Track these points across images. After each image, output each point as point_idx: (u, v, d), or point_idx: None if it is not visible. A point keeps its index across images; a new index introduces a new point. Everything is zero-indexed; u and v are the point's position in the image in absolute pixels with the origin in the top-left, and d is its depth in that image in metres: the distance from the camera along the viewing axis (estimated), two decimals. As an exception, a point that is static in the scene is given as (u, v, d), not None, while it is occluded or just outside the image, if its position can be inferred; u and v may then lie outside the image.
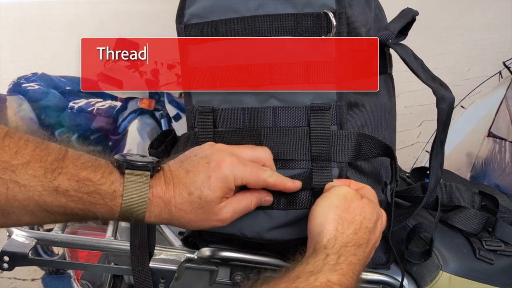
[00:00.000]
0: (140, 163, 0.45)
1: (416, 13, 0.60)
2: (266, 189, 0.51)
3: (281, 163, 0.53)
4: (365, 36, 0.54)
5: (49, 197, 0.41)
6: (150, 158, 0.47)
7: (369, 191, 0.51)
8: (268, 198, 0.52)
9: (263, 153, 0.51)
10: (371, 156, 0.54)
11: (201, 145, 0.50)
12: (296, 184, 0.52)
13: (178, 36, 0.57)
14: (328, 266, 0.42)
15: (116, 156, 0.45)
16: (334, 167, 0.53)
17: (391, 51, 0.59)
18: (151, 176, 0.45)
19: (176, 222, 0.46)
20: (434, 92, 0.54)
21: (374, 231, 0.48)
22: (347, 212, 0.47)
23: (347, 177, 0.54)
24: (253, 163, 0.49)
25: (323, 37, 0.51)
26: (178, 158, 0.49)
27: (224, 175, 0.46)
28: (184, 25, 0.56)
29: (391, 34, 0.55)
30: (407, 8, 0.61)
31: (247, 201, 0.50)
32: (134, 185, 0.44)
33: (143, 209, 0.44)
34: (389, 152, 0.53)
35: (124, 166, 0.44)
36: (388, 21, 0.59)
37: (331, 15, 0.50)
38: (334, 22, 0.50)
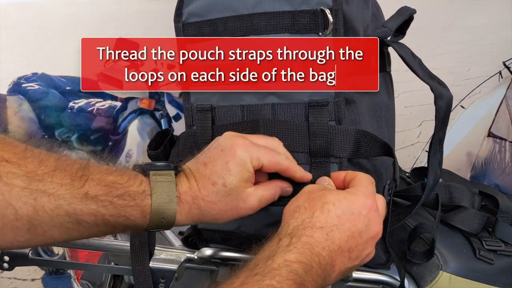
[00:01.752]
0: (162, 164, 0.46)
1: (414, 11, 0.61)
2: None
3: None
4: (363, 34, 0.54)
5: (79, 205, 0.40)
6: (168, 162, 0.47)
7: (359, 181, 0.49)
8: (289, 189, 0.51)
9: (273, 142, 0.50)
10: (371, 155, 0.54)
11: (215, 138, 0.50)
12: (306, 175, 0.51)
13: (176, 35, 0.57)
14: (282, 247, 0.41)
15: (136, 164, 0.46)
16: (333, 162, 0.53)
17: (390, 50, 0.59)
18: (175, 175, 0.45)
19: (208, 217, 0.46)
20: (432, 90, 0.54)
21: (348, 217, 0.44)
22: (307, 202, 0.45)
23: None
24: (266, 146, 0.49)
25: (320, 34, 0.51)
26: (194, 157, 0.49)
27: (240, 158, 0.46)
28: (182, 23, 0.57)
29: (389, 31, 0.55)
30: (405, 6, 0.61)
31: (271, 190, 0.49)
32: (161, 184, 0.44)
33: (173, 208, 0.44)
34: (388, 151, 0.53)
35: (148, 168, 0.45)
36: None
37: (327, 11, 0.50)
38: (331, 19, 0.50)
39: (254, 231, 0.55)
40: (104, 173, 0.42)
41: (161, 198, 0.43)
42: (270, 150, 0.48)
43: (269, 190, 0.49)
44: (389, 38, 0.56)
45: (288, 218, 0.45)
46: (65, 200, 0.39)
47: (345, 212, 0.44)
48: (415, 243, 0.59)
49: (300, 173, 0.50)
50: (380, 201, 0.49)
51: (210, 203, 0.45)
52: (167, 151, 0.63)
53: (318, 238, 0.42)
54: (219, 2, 0.54)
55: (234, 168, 0.46)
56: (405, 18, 0.59)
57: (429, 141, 0.56)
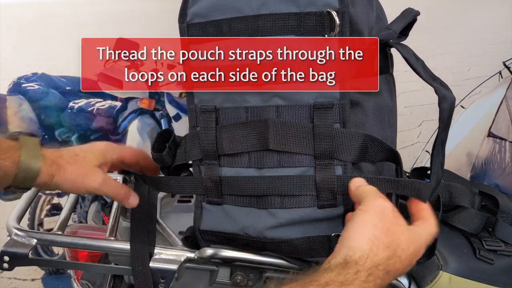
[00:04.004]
0: (30, 133, 0.56)
1: (418, 13, 0.60)
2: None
3: (286, 156, 0.53)
4: (367, 36, 0.54)
5: None
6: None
7: (426, 214, 0.49)
8: (132, 203, 0.62)
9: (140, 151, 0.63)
10: (376, 160, 0.54)
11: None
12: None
13: (180, 35, 0.57)
14: (358, 281, 0.41)
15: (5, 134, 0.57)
16: (338, 165, 0.53)
17: (392, 51, 0.59)
18: (41, 144, 0.55)
19: (62, 175, 0.55)
20: (436, 91, 0.54)
21: (403, 262, 0.45)
22: (385, 235, 0.45)
23: (352, 177, 0.53)
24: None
25: (326, 36, 0.51)
26: None
27: (104, 148, 0.60)
28: (186, 24, 0.56)
29: (393, 34, 0.55)
30: (409, 8, 0.61)
31: (118, 187, 0.60)
32: (29, 144, 0.54)
33: (39, 161, 0.53)
34: (395, 157, 0.53)
35: (17, 134, 0.55)
36: (388, 21, 0.59)
37: (334, 14, 0.50)
38: (338, 21, 0.50)
39: (258, 234, 0.55)
40: None
41: (28, 152, 0.53)
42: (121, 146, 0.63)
43: (116, 185, 0.60)
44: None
45: (365, 245, 0.44)
46: None
47: (405, 257, 0.46)
48: (415, 243, 0.59)
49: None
50: (420, 251, 0.50)
51: (67, 163, 0.55)
52: (172, 152, 0.62)
53: (383, 283, 0.44)
54: (224, 2, 0.54)
55: (96, 148, 0.59)
56: (409, 21, 0.59)
57: (429, 141, 0.56)
